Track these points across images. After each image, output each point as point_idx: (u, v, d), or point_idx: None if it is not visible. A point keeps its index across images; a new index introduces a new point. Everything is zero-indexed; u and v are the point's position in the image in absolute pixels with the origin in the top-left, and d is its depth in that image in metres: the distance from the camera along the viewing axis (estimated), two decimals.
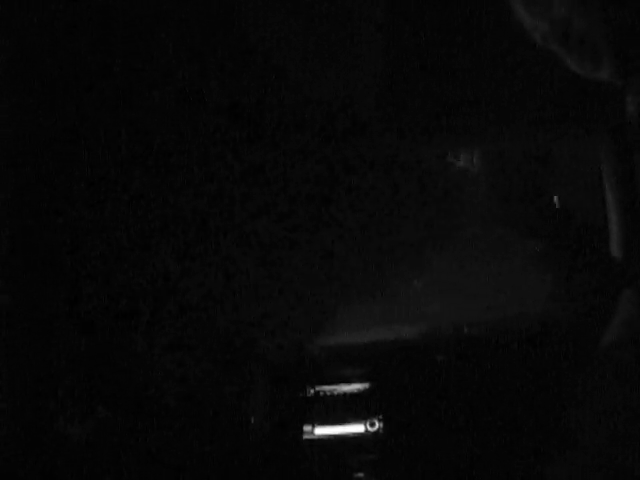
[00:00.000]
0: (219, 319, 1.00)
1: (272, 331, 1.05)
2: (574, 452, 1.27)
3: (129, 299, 0.98)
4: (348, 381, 1.62)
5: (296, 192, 1.04)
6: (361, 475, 1.64)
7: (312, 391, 1.57)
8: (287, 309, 1.03)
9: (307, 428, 1.62)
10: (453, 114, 1.68)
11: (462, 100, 1.68)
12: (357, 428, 1.65)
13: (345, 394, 1.64)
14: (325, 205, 1.06)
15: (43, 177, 0.98)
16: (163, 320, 0.98)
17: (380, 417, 1.65)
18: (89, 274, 0.97)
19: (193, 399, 1.01)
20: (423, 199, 1.71)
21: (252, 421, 1.23)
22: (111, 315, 0.98)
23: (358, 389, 1.64)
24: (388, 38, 1.65)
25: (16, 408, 0.98)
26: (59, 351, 0.98)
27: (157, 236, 0.98)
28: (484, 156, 1.72)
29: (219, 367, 1.02)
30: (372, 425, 1.65)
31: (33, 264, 0.98)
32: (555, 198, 1.61)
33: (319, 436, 1.63)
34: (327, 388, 1.59)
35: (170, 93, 1.01)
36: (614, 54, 0.93)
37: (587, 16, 0.93)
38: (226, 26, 1.09)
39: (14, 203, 0.98)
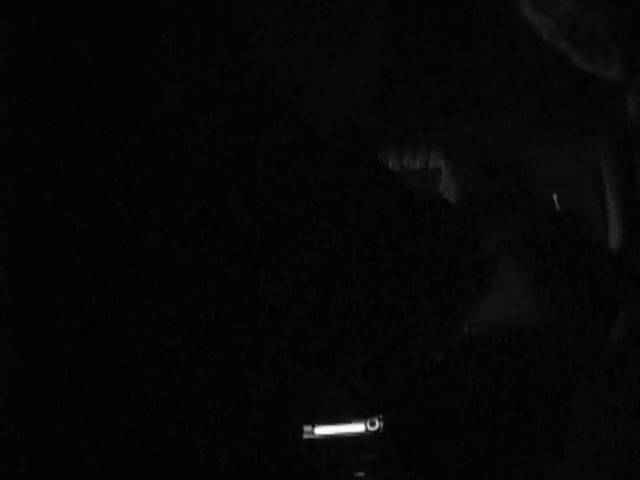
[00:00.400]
0: (222, 321, 1.00)
1: (273, 332, 1.05)
2: (574, 452, 1.27)
3: (130, 299, 0.98)
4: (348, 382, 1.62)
5: (297, 192, 1.04)
6: (361, 475, 1.65)
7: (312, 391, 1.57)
8: (289, 310, 1.03)
9: (307, 428, 1.62)
10: (453, 114, 1.68)
11: (462, 100, 1.68)
12: (357, 428, 1.65)
13: (345, 394, 1.64)
14: (326, 205, 1.06)
15: (43, 177, 0.98)
16: (165, 320, 0.98)
17: (380, 417, 1.65)
18: (90, 274, 0.97)
19: (193, 399, 1.01)
20: (423, 200, 1.70)
21: (252, 421, 1.23)
22: (112, 315, 0.98)
23: (358, 389, 1.64)
24: (388, 38, 1.65)
25: (16, 408, 0.98)
26: (59, 351, 0.98)
27: (159, 236, 0.98)
28: (481, 156, 1.72)
29: (221, 367, 1.02)
30: (372, 425, 1.65)
31: (33, 264, 0.97)
32: (555, 198, 1.61)
33: (319, 436, 1.64)
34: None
35: (170, 93, 1.01)
36: (624, 51, 0.92)
37: (594, 13, 0.92)
38: (226, 26, 1.09)
39: (14, 203, 0.98)
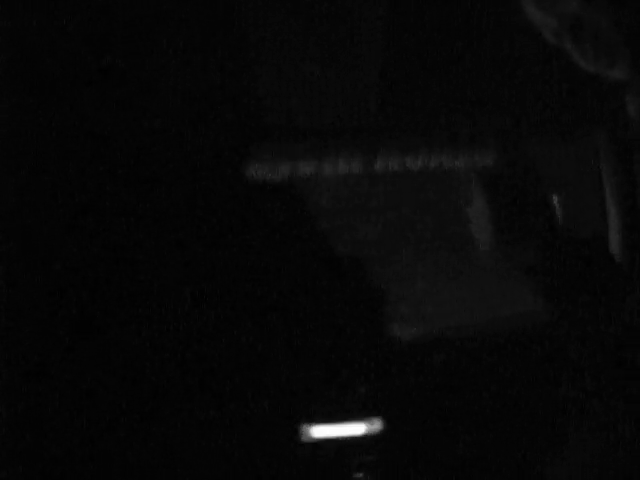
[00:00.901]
0: (222, 322, 1.00)
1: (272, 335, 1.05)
2: (574, 452, 1.27)
3: (130, 299, 0.98)
4: (348, 383, 1.62)
5: (298, 192, 1.04)
6: (361, 475, 1.64)
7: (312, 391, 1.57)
8: (289, 311, 1.03)
9: (307, 428, 1.62)
10: (453, 114, 1.68)
11: (462, 100, 1.68)
12: (357, 428, 1.65)
13: (345, 394, 1.63)
14: (326, 206, 1.06)
15: (43, 177, 0.98)
16: (164, 320, 0.99)
17: (380, 417, 1.65)
18: (89, 274, 0.97)
19: (193, 399, 1.01)
20: (423, 202, 1.71)
21: (252, 421, 1.23)
22: (111, 315, 0.98)
23: (358, 389, 1.64)
24: (388, 38, 1.65)
25: (15, 409, 0.98)
26: (59, 351, 0.98)
27: (158, 234, 0.98)
28: (480, 157, 1.72)
29: (220, 369, 1.02)
30: (372, 425, 1.65)
31: (33, 264, 0.98)
32: (555, 198, 1.61)
33: (319, 436, 1.63)
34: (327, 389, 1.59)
35: (171, 93, 1.01)
36: (628, 51, 0.92)
37: (598, 13, 0.92)
38: (226, 26, 1.09)
39: (14, 203, 0.98)
